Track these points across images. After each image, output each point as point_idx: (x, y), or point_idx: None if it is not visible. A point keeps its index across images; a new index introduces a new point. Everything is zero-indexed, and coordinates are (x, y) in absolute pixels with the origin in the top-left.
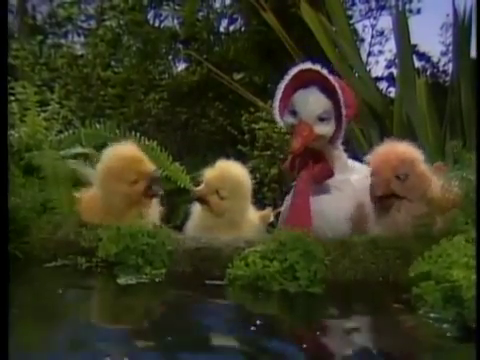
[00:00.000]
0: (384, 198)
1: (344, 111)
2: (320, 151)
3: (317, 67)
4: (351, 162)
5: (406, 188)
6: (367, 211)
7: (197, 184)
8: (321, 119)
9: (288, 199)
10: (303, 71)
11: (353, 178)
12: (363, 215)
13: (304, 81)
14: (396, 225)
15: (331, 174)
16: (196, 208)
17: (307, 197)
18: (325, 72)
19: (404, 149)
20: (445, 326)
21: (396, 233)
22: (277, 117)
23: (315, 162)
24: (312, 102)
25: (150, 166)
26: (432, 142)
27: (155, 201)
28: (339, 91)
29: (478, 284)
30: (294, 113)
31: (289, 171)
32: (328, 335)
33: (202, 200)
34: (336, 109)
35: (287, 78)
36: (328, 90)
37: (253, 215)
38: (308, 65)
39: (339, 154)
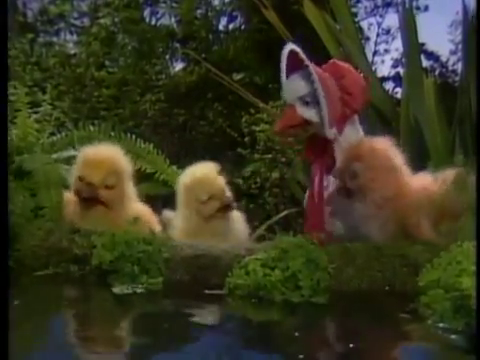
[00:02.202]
0: (339, 187)
1: (321, 96)
2: (329, 140)
3: (297, 50)
4: None
5: (355, 185)
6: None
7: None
8: (305, 102)
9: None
10: (291, 53)
11: None
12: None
13: (296, 64)
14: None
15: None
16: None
17: (321, 189)
18: (303, 56)
19: (370, 147)
20: (454, 337)
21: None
22: None
23: (325, 150)
24: (294, 84)
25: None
26: (441, 144)
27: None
28: (315, 77)
29: (478, 287)
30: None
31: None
32: (332, 347)
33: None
34: (316, 95)
35: (283, 59)
36: (312, 75)
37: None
38: (291, 47)
39: None
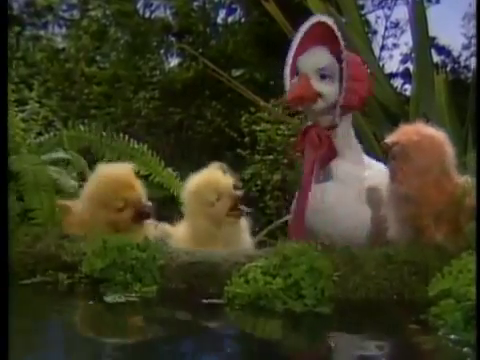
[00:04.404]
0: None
1: (347, 73)
2: (327, 132)
3: (330, 23)
4: (367, 159)
5: (389, 167)
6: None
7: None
8: (323, 76)
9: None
10: (314, 26)
11: (362, 173)
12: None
13: (313, 40)
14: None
15: (334, 155)
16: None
17: (308, 189)
18: (336, 31)
19: (417, 138)
20: (466, 350)
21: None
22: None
23: (321, 143)
24: (314, 55)
25: (139, 192)
26: (452, 145)
27: (150, 225)
28: (345, 54)
29: (478, 289)
30: (297, 72)
31: (297, 152)
32: None
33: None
34: (340, 71)
35: (302, 29)
36: (336, 51)
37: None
38: (324, 19)
39: (350, 143)
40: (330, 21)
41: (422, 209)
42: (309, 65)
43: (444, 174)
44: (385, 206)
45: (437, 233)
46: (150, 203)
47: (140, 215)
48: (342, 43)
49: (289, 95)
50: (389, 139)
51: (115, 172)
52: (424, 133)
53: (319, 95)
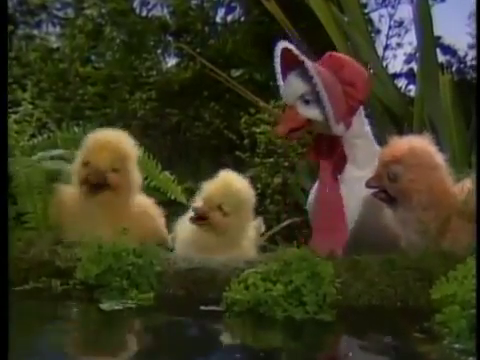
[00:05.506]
0: (378, 192)
1: (322, 91)
2: (337, 137)
3: (290, 47)
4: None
5: (397, 189)
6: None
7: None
8: (306, 101)
9: (313, 192)
10: (285, 51)
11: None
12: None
13: (292, 62)
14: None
15: (346, 160)
16: (188, 226)
17: (337, 190)
18: (297, 52)
19: (408, 146)
20: (471, 359)
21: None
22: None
23: (333, 149)
24: (291, 84)
25: (105, 161)
26: (457, 147)
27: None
28: (312, 72)
29: (478, 291)
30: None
31: (314, 160)
32: None
33: (202, 218)
34: (316, 91)
35: (277, 60)
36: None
37: (252, 231)
38: (283, 44)
39: (360, 144)
40: (290, 46)
41: (439, 212)
42: (289, 95)
43: (447, 168)
44: (403, 226)
45: (443, 238)
46: (111, 176)
47: (91, 183)
48: (309, 66)
49: (278, 130)
50: (377, 172)
51: (101, 133)
52: (407, 141)
53: (308, 120)
